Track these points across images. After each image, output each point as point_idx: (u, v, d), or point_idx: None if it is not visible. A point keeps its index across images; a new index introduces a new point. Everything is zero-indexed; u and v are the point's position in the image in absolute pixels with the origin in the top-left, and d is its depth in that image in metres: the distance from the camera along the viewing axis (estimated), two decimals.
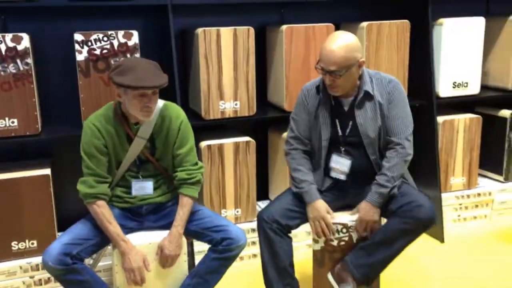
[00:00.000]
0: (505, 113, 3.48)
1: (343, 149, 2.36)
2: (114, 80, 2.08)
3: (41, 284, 2.70)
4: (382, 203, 2.27)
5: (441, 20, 3.22)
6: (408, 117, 2.33)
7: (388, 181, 2.25)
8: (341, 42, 2.18)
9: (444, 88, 3.30)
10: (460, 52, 3.27)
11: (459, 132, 3.38)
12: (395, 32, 3.09)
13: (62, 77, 2.85)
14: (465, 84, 3.33)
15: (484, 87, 3.51)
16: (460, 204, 3.48)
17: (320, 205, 2.32)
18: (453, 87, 3.31)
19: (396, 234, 2.22)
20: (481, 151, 3.48)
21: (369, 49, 3.06)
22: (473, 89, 3.37)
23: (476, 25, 3.28)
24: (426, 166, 3.34)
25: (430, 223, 2.20)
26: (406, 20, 3.13)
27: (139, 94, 2.08)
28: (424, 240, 3.28)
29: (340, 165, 2.37)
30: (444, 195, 3.39)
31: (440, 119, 3.34)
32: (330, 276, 2.37)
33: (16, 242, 2.65)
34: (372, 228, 2.31)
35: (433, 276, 2.88)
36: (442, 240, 3.27)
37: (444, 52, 3.24)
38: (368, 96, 2.29)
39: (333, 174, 2.39)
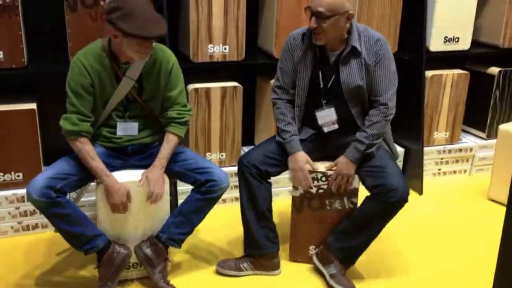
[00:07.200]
0: (493, 70, 3.49)
1: (324, 101, 2.36)
2: (118, 26, 2.03)
3: (26, 215, 2.75)
4: (359, 159, 2.31)
5: None
6: (393, 78, 2.32)
7: (367, 137, 2.28)
8: None
9: (435, 43, 3.29)
10: (453, 7, 3.24)
11: (446, 87, 3.40)
12: None
13: (49, 12, 2.81)
14: (456, 39, 3.32)
15: (475, 43, 3.49)
16: (442, 159, 3.56)
17: (300, 157, 2.35)
18: (444, 42, 3.31)
19: (372, 217, 2.30)
20: (467, 107, 3.51)
21: (362, 2, 3.03)
22: (464, 44, 3.36)
23: None
24: (411, 120, 3.37)
25: (403, 203, 2.27)
26: None
27: (142, 41, 2.07)
28: None
29: (327, 117, 2.37)
30: (426, 149, 3.46)
31: (428, 73, 3.35)
32: (315, 259, 2.45)
33: (1, 174, 2.69)
34: (347, 181, 2.36)
35: (410, 224, 2.97)
36: (420, 192, 3.36)
37: (437, 6, 3.20)
38: (355, 52, 2.27)
39: (326, 129, 2.39)
